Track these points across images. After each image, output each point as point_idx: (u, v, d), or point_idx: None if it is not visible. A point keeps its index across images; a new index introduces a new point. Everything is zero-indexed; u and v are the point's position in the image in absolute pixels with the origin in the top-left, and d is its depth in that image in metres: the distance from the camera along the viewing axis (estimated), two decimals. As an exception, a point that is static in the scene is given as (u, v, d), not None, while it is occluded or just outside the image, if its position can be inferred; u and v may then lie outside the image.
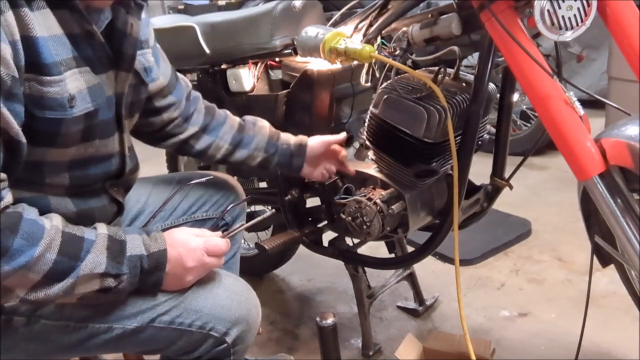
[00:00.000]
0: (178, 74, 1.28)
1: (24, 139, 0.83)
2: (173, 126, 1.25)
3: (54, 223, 0.86)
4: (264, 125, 1.37)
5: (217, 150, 1.30)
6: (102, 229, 0.91)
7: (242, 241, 2.14)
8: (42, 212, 0.87)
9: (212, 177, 1.30)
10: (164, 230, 0.98)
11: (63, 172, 0.94)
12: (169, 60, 1.87)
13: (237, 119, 1.35)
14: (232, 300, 0.99)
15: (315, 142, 1.38)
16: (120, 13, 0.97)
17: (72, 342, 0.95)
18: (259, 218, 1.09)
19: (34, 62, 0.82)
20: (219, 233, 1.03)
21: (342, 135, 1.40)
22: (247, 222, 1.09)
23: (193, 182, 1.27)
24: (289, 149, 1.35)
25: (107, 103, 0.95)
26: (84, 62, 0.90)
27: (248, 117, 1.37)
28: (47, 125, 0.86)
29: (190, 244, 0.95)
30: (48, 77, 0.83)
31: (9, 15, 0.79)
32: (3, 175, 0.82)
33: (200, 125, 1.28)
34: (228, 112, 1.36)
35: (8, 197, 0.83)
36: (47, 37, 0.83)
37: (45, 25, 0.83)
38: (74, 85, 0.87)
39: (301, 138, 1.38)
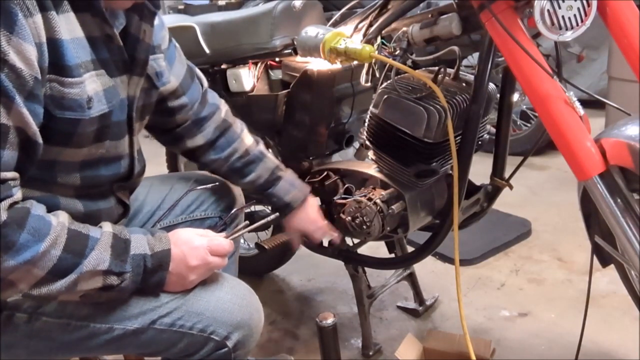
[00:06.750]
0: (197, 72, 1.29)
1: (40, 140, 0.85)
2: (183, 129, 1.25)
3: (60, 220, 0.86)
4: (272, 158, 1.35)
5: (220, 167, 1.31)
6: (107, 227, 0.92)
7: (242, 241, 2.14)
8: (51, 211, 0.87)
9: (217, 183, 1.30)
10: (164, 228, 0.98)
11: (75, 172, 0.96)
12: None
13: (249, 142, 1.32)
14: (234, 304, 0.98)
15: (310, 211, 1.38)
16: (133, 19, 0.99)
17: (72, 341, 0.95)
18: (263, 221, 1.08)
19: (56, 63, 0.84)
20: (223, 233, 1.03)
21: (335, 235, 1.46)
22: (246, 222, 1.08)
23: (201, 187, 1.28)
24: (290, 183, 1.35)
25: (120, 105, 0.98)
26: (100, 65, 0.92)
27: (257, 149, 1.33)
28: (64, 126, 0.88)
29: (194, 242, 0.96)
30: (69, 79, 0.86)
31: (38, 18, 0.81)
32: (16, 174, 0.83)
33: (209, 139, 1.28)
34: (244, 129, 1.34)
35: (18, 194, 0.84)
36: (70, 40, 0.86)
37: (68, 28, 0.86)
38: (92, 87, 0.90)
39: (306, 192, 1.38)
